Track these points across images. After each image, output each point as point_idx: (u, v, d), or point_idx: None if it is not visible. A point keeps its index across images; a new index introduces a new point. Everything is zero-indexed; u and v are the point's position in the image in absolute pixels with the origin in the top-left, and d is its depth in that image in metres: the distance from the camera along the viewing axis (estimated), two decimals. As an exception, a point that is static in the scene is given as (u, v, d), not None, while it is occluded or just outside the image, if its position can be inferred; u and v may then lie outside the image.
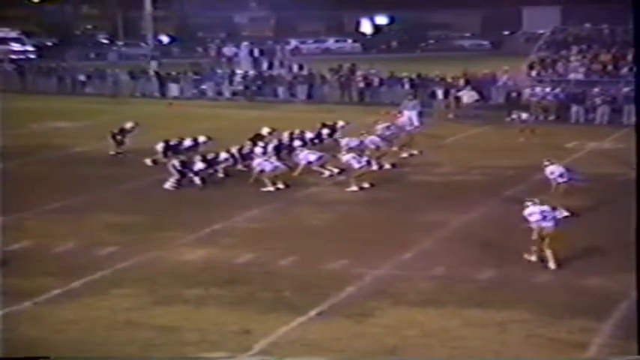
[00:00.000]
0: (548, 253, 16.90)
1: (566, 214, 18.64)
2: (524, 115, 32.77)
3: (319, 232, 19.53)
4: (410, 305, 14.74)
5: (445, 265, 16.86)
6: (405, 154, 28.15)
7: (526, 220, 17.31)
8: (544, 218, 17.11)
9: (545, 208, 17.38)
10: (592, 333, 13.43)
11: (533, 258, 17.04)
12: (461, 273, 16.36)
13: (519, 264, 16.83)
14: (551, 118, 37.35)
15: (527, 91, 39.25)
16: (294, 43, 75.95)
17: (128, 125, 29.84)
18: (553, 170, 21.84)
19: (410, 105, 35.30)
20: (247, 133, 27.77)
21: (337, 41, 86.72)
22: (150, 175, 25.49)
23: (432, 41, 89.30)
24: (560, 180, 21.56)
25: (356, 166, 23.71)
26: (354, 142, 26.57)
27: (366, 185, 23.59)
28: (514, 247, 17.88)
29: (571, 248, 17.70)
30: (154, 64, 54.36)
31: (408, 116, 33.01)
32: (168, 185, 23.85)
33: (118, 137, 29.35)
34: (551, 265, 16.77)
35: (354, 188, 23.40)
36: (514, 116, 32.79)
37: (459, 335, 13.41)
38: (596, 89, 38.01)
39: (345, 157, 24.26)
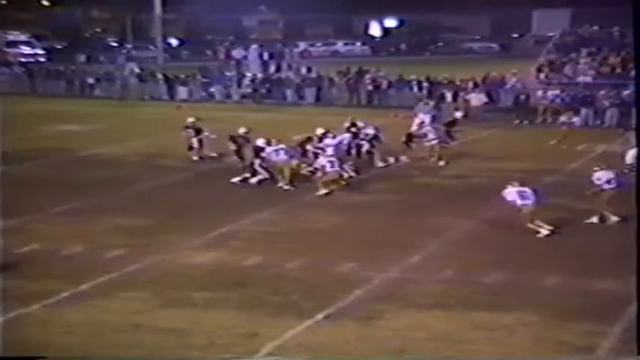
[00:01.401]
0: (535, 225, 19.07)
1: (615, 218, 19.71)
2: (575, 119, 32.72)
3: (327, 235, 19.52)
4: (418, 308, 14.73)
5: (453, 268, 16.87)
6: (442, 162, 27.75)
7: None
8: (522, 198, 19.18)
9: (524, 188, 19.32)
10: (600, 336, 13.40)
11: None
12: (469, 276, 16.35)
13: (527, 267, 16.82)
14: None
15: (538, 94, 39.21)
16: (302, 45, 76.09)
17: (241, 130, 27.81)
18: (600, 176, 20.82)
19: (425, 109, 35.21)
20: (256, 136, 27.72)
21: (346, 44, 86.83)
22: (158, 178, 25.57)
23: (441, 44, 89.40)
24: (607, 187, 20.52)
25: (329, 169, 23.61)
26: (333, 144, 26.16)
27: (333, 188, 23.51)
28: (522, 250, 18.04)
29: (580, 250, 17.74)
30: (131, 64, 54.59)
31: (422, 119, 32.82)
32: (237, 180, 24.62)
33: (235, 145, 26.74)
34: (544, 231, 19.00)
35: (323, 191, 23.29)
36: (563, 118, 32.64)
37: (467, 338, 13.40)
38: (605, 92, 37.98)
39: (320, 160, 24.04)
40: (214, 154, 28.39)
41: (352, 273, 16.61)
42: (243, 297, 15.31)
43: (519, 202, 19.31)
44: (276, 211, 21.67)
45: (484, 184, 24.57)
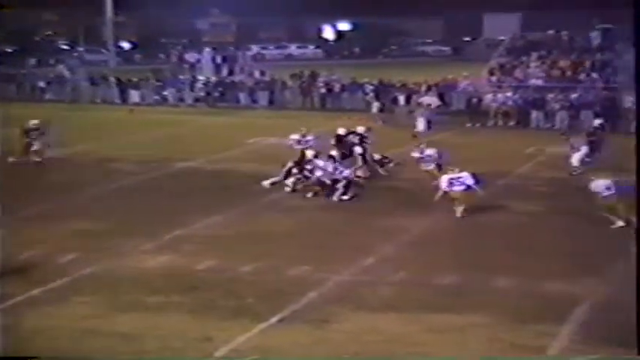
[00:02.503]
0: (459, 208, 21.00)
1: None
2: None
3: (281, 239, 19.48)
4: (371, 311, 14.77)
5: (407, 270, 16.90)
6: None
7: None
8: (451, 185, 21.03)
9: (455, 175, 21.16)
10: (551, 337, 13.53)
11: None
12: (422, 278, 16.40)
13: (480, 269, 16.89)
14: (512, 123, 37.73)
15: (488, 97, 39.51)
16: (255, 49, 75.96)
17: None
18: (598, 185, 20.38)
19: (425, 114, 35.52)
20: (209, 139, 27.69)
21: (299, 47, 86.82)
22: (111, 182, 25.43)
23: (394, 47, 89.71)
24: (606, 193, 20.04)
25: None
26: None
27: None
28: (475, 252, 18.19)
29: (531, 252, 17.93)
30: (60, 67, 54.41)
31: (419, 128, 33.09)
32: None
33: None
34: (458, 213, 20.95)
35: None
36: None
37: (420, 340, 13.46)
38: (554, 95, 38.33)
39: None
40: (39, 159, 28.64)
41: (306, 276, 16.60)
42: (196, 301, 15.26)
43: (450, 188, 21.08)
44: (231, 214, 21.58)
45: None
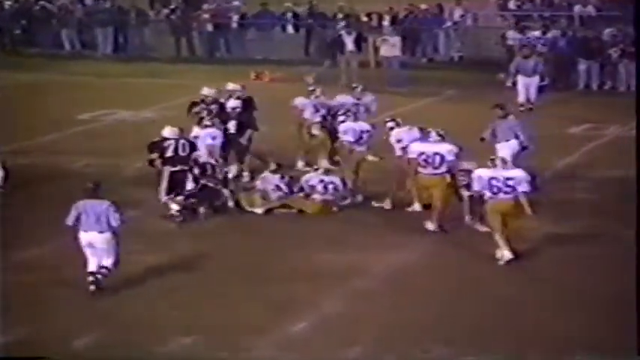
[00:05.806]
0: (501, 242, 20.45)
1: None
2: None
3: (144, 287, 19.41)
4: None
5: (364, 340, 16.86)
6: None
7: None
8: (490, 186, 20.08)
9: (502, 172, 20.22)
10: None
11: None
12: (392, 355, 16.30)
13: (487, 335, 16.95)
14: (543, 82, 37.01)
15: (510, 35, 39.50)
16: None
17: None
18: (401, 136, 22.18)
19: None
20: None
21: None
22: None
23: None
24: (423, 159, 21.74)
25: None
26: None
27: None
28: (475, 304, 18.42)
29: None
30: None
31: None
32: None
33: None
34: (506, 254, 20.10)
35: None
36: None
37: None
38: (610, 31, 38.09)
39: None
40: None
41: (189, 352, 16.57)
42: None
43: (488, 194, 20.19)
44: (56, 246, 20.94)
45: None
